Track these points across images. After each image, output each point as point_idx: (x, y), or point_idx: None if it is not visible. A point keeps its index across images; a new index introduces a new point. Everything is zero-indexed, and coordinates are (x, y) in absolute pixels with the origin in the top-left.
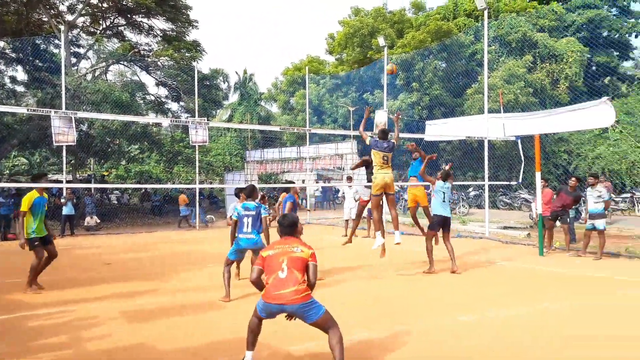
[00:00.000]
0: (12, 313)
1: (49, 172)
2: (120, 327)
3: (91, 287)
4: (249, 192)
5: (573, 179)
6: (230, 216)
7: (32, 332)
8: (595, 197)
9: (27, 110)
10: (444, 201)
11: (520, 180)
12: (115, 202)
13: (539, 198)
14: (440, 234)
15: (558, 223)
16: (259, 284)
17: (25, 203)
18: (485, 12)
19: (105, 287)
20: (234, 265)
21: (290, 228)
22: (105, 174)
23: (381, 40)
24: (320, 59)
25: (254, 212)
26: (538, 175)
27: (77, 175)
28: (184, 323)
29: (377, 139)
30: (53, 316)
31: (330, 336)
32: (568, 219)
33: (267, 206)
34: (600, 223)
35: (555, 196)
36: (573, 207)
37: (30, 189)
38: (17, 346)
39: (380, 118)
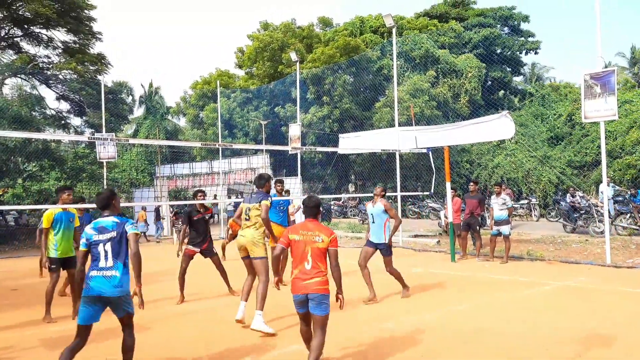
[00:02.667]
0: None
1: None
2: (41, 355)
3: (1, 314)
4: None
5: (471, 183)
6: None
7: None
8: (500, 204)
9: None
10: (373, 222)
11: (432, 190)
12: (13, 223)
13: (449, 207)
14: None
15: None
16: (277, 263)
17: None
18: (394, 30)
19: (14, 314)
20: None
21: (315, 209)
22: (0, 193)
23: (293, 55)
24: (230, 72)
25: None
26: (448, 185)
27: None
28: (108, 347)
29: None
30: None
31: (317, 337)
32: (478, 226)
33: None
34: (505, 229)
35: (464, 205)
36: (480, 211)
37: None
38: None
39: (294, 131)
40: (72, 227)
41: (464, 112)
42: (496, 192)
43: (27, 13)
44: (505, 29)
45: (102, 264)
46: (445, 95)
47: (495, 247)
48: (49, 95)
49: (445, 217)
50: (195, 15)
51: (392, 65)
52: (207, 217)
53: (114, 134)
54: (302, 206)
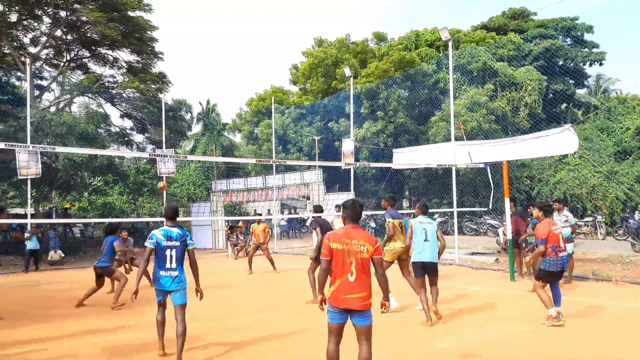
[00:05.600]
0: None
1: (7, 206)
2: None
3: (63, 323)
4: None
5: (510, 202)
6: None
7: None
8: (562, 222)
9: (5, 145)
10: (426, 240)
11: (490, 207)
12: (79, 235)
13: (508, 223)
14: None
15: None
16: (325, 277)
17: None
18: (450, 43)
19: (78, 323)
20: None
21: (360, 215)
22: (68, 206)
23: (347, 71)
24: (284, 89)
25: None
26: (507, 201)
27: (40, 209)
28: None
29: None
30: (29, 355)
31: (365, 346)
32: (524, 244)
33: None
34: (568, 247)
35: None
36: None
37: None
38: None
39: (347, 147)
40: None
41: (523, 126)
42: (557, 209)
43: (94, 35)
44: (568, 40)
45: (167, 265)
46: (504, 109)
47: None
48: (113, 113)
49: (504, 234)
50: (251, 34)
51: (449, 78)
52: None
53: (173, 150)
54: (342, 210)
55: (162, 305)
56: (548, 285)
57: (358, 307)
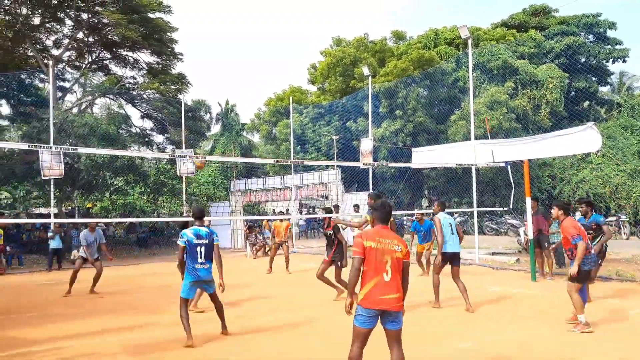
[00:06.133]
0: (5, 351)
1: (31, 206)
2: None
3: (85, 321)
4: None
5: (532, 201)
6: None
7: None
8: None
9: (28, 146)
10: (453, 233)
11: (511, 206)
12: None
13: (529, 223)
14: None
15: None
16: (357, 277)
17: None
18: (470, 41)
19: (100, 321)
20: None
21: (390, 215)
22: (90, 206)
23: (365, 70)
24: (302, 88)
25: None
26: (528, 200)
27: (63, 209)
28: (184, 356)
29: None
30: (52, 353)
31: (397, 350)
32: (547, 243)
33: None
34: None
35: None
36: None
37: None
38: None
39: (366, 146)
40: None
41: (545, 124)
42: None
43: (115, 37)
44: (590, 36)
45: (199, 260)
46: (525, 107)
47: None
48: (134, 114)
49: (525, 234)
50: (269, 34)
51: (468, 77)
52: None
53: (192, 150)
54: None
55: (186, 302)
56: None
57: (394, 308)
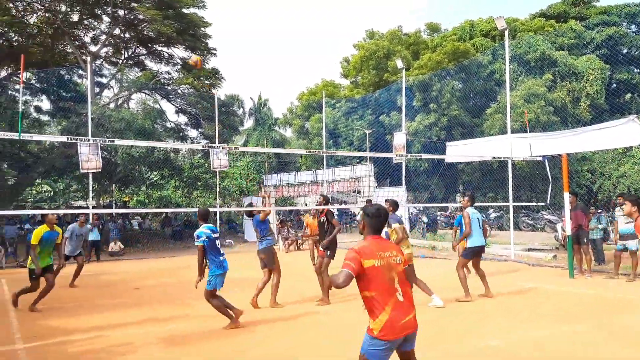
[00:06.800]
0: (47, 339)
1: (70, 199)
2: (159, 352)
3: (122, 312)
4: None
5: (570, 196)
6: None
7: (72, 359)
8: (626, 216)
9: (67, 138)
10: (480, 228)
11: (548, 201)
12: (137, 227)
13: (567, 219)
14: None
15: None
16: (339, 286)
17: (35, 237)
18: (507, 33)
19: (136, 312)
20: None
21: (385, 221)
22: (126, 199)
23: (399, 63)
24: (335, 82)
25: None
26: (566, 195)
27: (101, 202)
28: (218, 347)
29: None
30: (90, 342)
31: None
32: (586, 239)
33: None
34: (632, 243)
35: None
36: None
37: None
38: None
39: (399, 140)
40: (54, 244)
41: (585, 118)
42: (620, 204)
43: (150, 33)
44: (632, 26)
45: (220, 251)
46: (564, 100)
47: (620, 263)
48: (169, 109)
49: (563, 229)
50: (302, 28)
51: (505, 69)
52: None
53: (226, 144)
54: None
55: (215, 293)
56: None
57: (414, 329)
